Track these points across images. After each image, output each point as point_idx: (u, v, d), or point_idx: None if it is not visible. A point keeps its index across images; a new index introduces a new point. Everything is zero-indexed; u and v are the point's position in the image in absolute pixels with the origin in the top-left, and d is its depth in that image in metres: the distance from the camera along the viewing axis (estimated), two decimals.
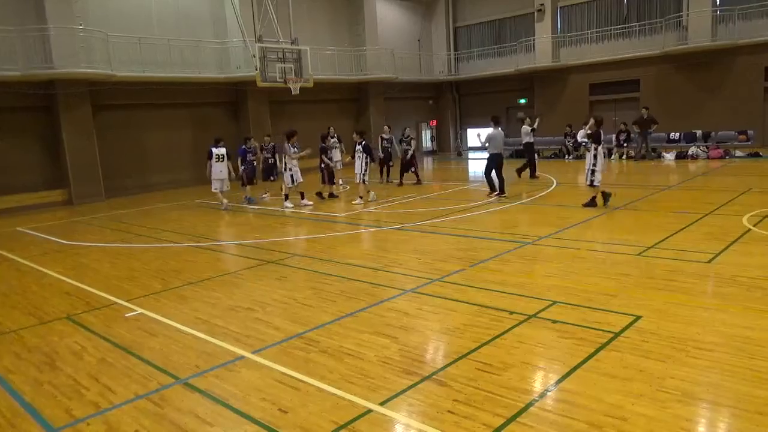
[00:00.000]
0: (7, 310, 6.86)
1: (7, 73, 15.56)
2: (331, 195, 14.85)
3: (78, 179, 17.38)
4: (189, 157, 20.08)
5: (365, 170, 13.29)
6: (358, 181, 13.37)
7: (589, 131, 10.87)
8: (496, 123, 12.95)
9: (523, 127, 16.55)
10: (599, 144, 10.70)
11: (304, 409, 3.93)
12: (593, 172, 10.68)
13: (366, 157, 13.24)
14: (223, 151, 13.79)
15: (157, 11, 19.51)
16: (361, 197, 13.38)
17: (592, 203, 10.82)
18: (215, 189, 13.91)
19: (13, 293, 7.65)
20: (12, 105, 16.30)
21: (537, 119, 17.51)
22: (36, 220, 14.61)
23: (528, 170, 16.21)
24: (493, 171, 13.02)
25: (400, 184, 16.43)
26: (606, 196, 10.76)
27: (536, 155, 17.30)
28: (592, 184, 10.83)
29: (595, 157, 10.66)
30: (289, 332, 5.44)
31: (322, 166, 14.73)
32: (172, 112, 20.17)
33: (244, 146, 15.05)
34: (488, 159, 13.12)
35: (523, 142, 16.48)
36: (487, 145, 12.90)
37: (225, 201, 14.01)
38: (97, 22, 17.36)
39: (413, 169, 16.75)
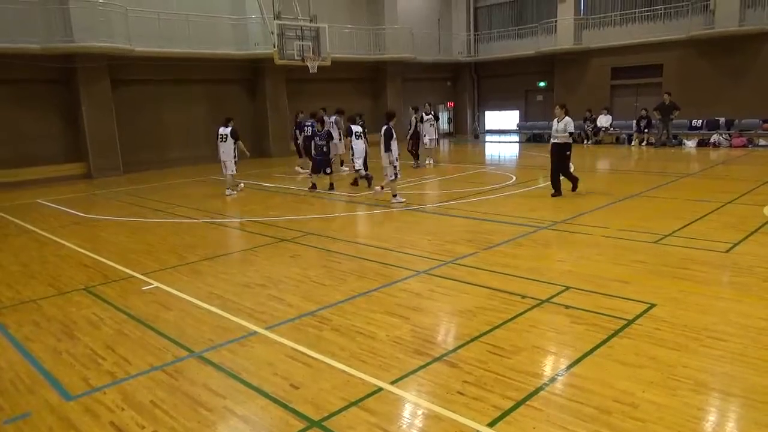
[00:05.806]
0: (27, 280, 7.00)
1: (27, 45, 15.65)
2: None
3: (97, 153, 17.52)
4: (206, 134, 20.02)
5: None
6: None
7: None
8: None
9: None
10: (350, 136, 12.80)
11: (315, 385, 3.98)
12: (353, 160, 12.83)
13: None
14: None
15: None
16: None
17: (354, 183, 13.23)
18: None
19: (32, 264, 7.79)
20: (32, 77, 16.42)
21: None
22: (55, 192, 14.81)
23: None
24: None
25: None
26: (369, 179, 12.94)
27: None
28: (357, 171, 12.98)
29: (352, 147, 12.77)
30: (301, 309, 5.49)
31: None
32: (189, 88, 20.16)
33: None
34: None
35: None
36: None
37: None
38: None
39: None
